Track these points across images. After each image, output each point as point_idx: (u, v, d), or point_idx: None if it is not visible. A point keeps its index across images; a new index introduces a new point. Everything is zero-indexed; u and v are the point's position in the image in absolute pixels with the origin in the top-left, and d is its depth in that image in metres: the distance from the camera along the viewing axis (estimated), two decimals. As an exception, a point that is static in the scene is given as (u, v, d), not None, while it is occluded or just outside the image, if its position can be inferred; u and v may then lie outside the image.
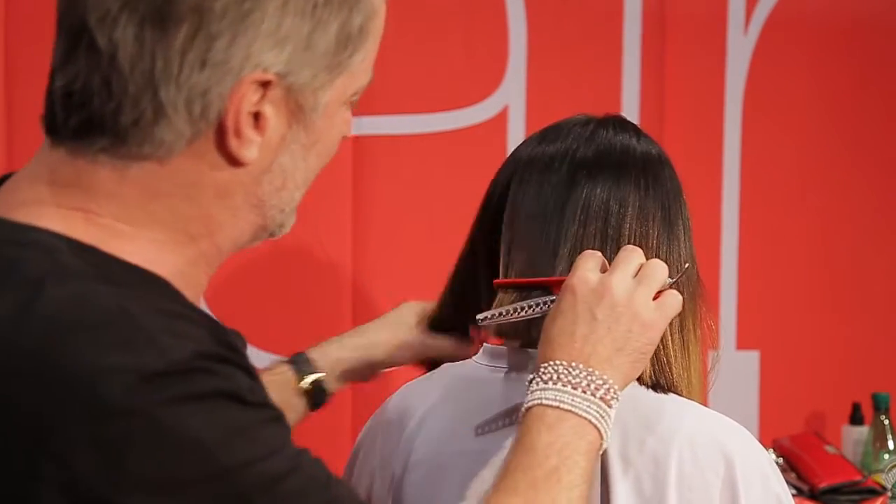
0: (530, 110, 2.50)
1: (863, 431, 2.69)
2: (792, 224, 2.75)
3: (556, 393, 1.29)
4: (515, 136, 2.47)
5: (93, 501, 1.01)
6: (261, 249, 2.32)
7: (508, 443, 1.34)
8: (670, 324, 1.44)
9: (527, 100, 2.51)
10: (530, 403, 1.31)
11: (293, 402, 1.66)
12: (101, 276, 1.06)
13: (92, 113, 1.08)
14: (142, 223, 1.11)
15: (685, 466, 1.39)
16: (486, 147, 2.45)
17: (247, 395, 1.06)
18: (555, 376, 1.30)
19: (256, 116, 1.11)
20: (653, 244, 1.47)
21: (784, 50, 2.71)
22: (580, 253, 1.41)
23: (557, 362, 1.31)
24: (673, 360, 1.46)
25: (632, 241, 1.46)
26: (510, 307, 1.44)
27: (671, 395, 1.45)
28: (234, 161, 1.12)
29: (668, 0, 2.61)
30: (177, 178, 1.11)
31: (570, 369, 1.30)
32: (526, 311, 1.43)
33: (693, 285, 1.50)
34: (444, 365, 1.62)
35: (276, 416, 1.10)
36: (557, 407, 1.29)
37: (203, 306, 2.28)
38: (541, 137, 1.55)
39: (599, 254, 1.38)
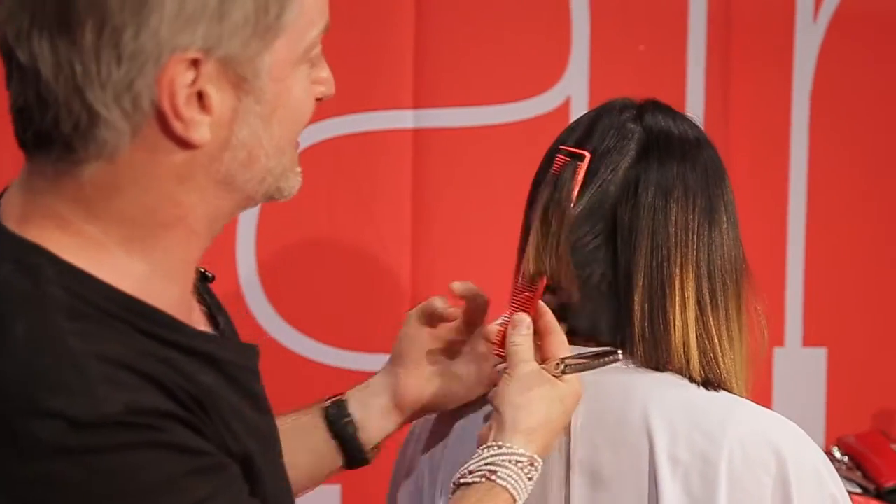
0: (593, 102, 2.47)
1: (931, 430, 2.66)
2: (860, 219, 2.71)
3: None
4: (578, 128, 2.45)
5: None
6: (320, 245, 2.34)
7: None
8: (716, 317, 1.42)
9: (589, 91, 2.49)
10: None
11: (322, 449, 1.52)
12: (68, 309, 1.08)
13: (38, 126, 1.10)
14: (108, 220, 1.12)
15: (735, 465, 1.37)
16: (548, 139, 2.42)
17: (184, 445, 1.09)
18: None
19: (200, 96, 1.10)
20: (692, 235, 1.44)
21: (853, 44, 2.66)
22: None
23: None
24: (720, 354, 1.43)
25: (673, 230, 1.43)
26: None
27: (721, 393, 1.43)
28: (185, 144, 1.11)
29: (735, -9, 2.58)
30: (131, 171, 1.11)
31: None
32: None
33: (739, 273, 1.46)
34: None
35: (208, 466, 1.11)
36: None
37: (252, 299, 2.32)
38: (576, 124, 1.53)
39: None
